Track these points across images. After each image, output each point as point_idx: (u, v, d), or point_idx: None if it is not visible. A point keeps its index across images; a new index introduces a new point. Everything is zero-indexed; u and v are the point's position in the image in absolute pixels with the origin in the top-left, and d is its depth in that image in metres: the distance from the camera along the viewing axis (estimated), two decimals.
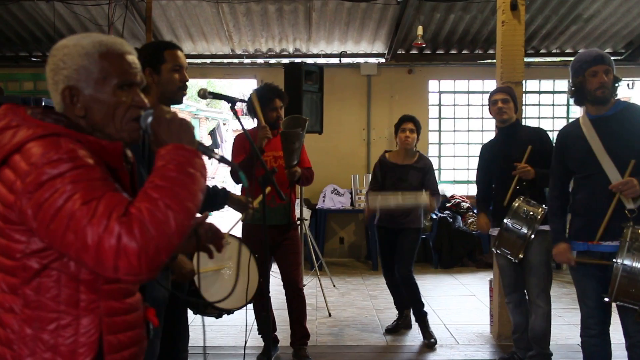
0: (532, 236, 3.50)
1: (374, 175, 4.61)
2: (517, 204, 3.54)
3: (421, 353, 4.23)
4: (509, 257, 3.63)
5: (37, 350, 1.26)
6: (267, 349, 4.01)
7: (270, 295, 4.12)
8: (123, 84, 1.37)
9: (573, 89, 2.99)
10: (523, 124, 4.13)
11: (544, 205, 3.51)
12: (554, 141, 3.30)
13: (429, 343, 4.32)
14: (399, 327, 4.68)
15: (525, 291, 3.79)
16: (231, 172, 3.84)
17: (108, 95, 1.35)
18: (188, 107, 14.96)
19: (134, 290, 1.42)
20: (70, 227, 1.16)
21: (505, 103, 3.77)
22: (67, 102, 1.34)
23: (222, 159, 1.49)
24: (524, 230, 3.51)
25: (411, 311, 4.58)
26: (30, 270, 1.26)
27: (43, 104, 3.98)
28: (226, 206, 2.96)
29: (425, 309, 4.45)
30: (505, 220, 3.56)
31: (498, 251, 3.70)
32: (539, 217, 3.48)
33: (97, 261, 1.15)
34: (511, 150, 3.72)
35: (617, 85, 2.94)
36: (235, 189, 3.56)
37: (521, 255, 3.58)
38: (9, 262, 1.28)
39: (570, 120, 8.03)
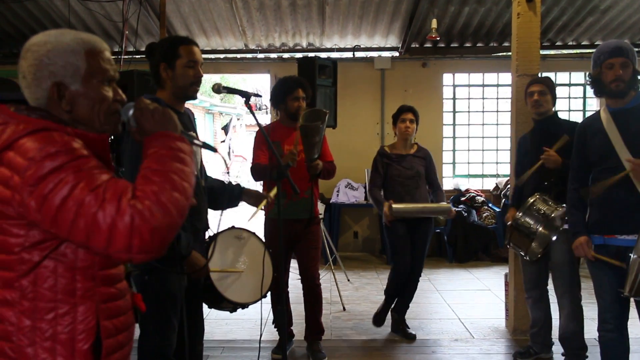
0: (542, 233, 3.45)
1: (375, 169, 4.46)
2: (532, 200, 3.49)
3: (435, 347, 4.23)
4: (521, 254, 3.60)
5: (36, 340, 1.29)
6: (282, 343, 4.03)
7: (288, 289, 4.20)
8: (105, 80, 1.43)
9: (590, 80, 2.96)
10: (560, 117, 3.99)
11: (564, 205, 3.42)
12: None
13: (410, 335, 4.38)
14: (384, 315, 4.57)
15: (546, 288, 3.78)
16: (251, 169, 3.85)
17: (94, 90, 1.40)
18: (202, 102, 14.99)
19: (122, 276, 1.47)
20: (80, 214, 1.20)
21: (543, 95, 3.66)
22: (55, 98, 1.37)
23: (204, 145, 1.64)
24: (533, 228, 3.46)
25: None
26: (29, 263, 1.29)
27: None
28: (242, 202, 2.96)
29: (440, 302, 4.44)
30: (516, 216, 3.53)
31: (509, 246, 3.68)
32: (553, 215, 3.42)
33: (109, 242, 1.20)
34: (546, 144, 3.59)
35: (638, 77, 2.89)
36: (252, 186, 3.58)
37: (538, 254, 3.55)
38: (4, 257, 1.30)
39: (587, 113, 7.96)
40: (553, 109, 3.76)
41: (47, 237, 1.28)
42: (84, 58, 1.39)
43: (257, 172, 3.81)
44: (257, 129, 3.70)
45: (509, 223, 3.66)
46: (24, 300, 1.29)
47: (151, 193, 1.24)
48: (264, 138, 3.77)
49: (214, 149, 1.66)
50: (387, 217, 4.23)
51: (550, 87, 3.72)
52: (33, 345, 1.29)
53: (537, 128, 3.80)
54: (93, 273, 1.35)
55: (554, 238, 3.53)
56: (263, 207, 3.10)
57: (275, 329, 4.02)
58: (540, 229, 3.44)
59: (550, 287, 3.81)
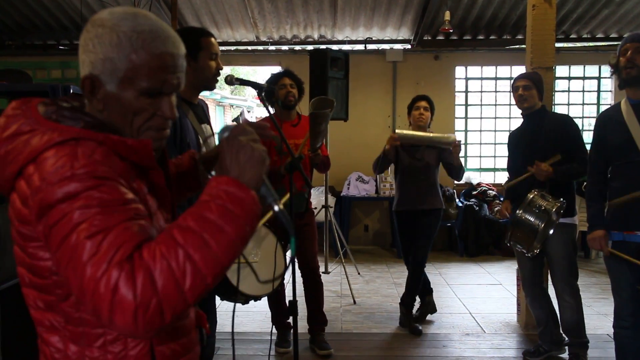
0: (543, 229, 3.43)
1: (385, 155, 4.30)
2: (531, 197, 3.47)
3: (446, 341, 4.21)
4: (522, 251, 3.58)
5: None
6: (284, 335, 4.05)
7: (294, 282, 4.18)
8: (151, 91, 1.17)
9: (612, 71, 2.92)
10: (552, 110, 4.02)
11: (562, 199, 3.43)
12: (591, 126, 3.21)
13: (416, 330, 4.34)
14: (423, 315, 4.63)
15: (543, 285, 3.77)
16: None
17: (130, 98, 1.16)
18: (213, 95, 14.99)
19: None
20: (71, 261, 1.01)
21: (527, 90, 3.66)
22: (87, 93, 1.18)
23: (282, 214, 1.19)
24: (534, 224, 3.43)
25: (429, 296, 4.57)
26: (65, 287, 1.13)
27: (72, 92, 4.02)
28: None
29: (451, 297, 4.42)
30: (516, 213, 3.50)
31: (510, 244, 3.65)
32: (554, 210, 3.39)
33: (93, 308, 0.99)
34: (535, 138, 3.63)
35: None
36: None
37: (536, 250, 3.53)
38: (40, 281, 1.16)
39: (601, 107, 7.87)
40: (540, 103, 3.74)
41: None
42: (128, 57, 1.14)
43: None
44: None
45: (512, 218, 3.62)
46: (68, 325, 1.16)
47: (159, 257, 0.99)
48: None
49: (292, 230, 1.20)
50: (392, 141, 4.16)
51: (535, 81, 3.70)
52: (81, 353, 1.15)
53: (525, 123, 3.81)
54: None
55: (551, 232, 3.50)
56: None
57: (272, 325, 3.99)
58: (543, 225, 3.41)
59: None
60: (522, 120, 3.84)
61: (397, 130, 4.21)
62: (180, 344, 1.25)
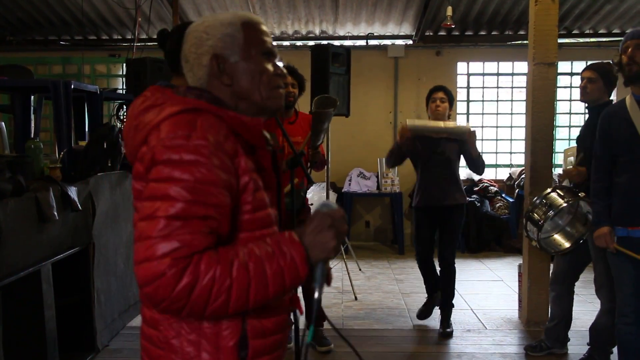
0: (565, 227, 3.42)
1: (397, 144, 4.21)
2: (547, 191, 3.46)
3: (448, 337, 4.20)
4: (534, 243, 3.56)
5: (182, 332, 1.25)
6: (296, 331, 4.03)
7: None
8: (264, 52, 1.35)
9: (617, 68, 2.91)
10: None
11: (580, 194, 3.38)
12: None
13: (445, 332, 4.22)
14: (429, 311, 4.50)
15: (572, 286, 3.72)
16: None
17: (254, 62, 1.33)
18: None
19: None
20: (145, 224, 1.14)
21: (591, 82, 3.48)
22: (215, 71, 1.31)
23: (316, 303, 1.27)
24: (540, 219, 3.41)
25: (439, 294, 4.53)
26: None
27: (72, 87, 4.02)
28: None
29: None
30: (527, 209, 3.48)
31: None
32: (560, 207, 3.37)
33: (136, 271, 1.13)
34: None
35: None
36: None
37: (563, 249, 3.51)
38: None
39: None
40: (606, 97, 3.55)
41: None
42: (241, 29, 1.33)
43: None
44: None
45: (524, 215, 3.61)
46: None
47: (210, 276, 1.12)
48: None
49: (313, 319, 1.30)
50: (402, 132, 4.00)
51: (602, 74, 3.49)
52: (178, 337, 1.25)
53: (589, 117, 3.63)
54: None
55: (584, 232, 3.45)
56: None
57: None
58: (561, 222, 3.39)
59: (578, 283, 3.78)
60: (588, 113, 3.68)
61: (407, 121, 4.04)
62: (272, 321, 1.32)
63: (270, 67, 1.35)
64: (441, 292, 4.32)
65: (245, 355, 1.27)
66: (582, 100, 3.61)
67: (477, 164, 4.17)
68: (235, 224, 1.25)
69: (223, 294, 1.13)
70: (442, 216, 4.22)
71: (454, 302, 4.34)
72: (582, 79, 3.55)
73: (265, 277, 1.16)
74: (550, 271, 4.09)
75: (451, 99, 4.26)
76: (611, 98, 3.63)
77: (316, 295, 1.25)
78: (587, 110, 3.70)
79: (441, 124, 4.07)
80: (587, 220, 3.42)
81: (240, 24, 1.33)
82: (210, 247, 1.15)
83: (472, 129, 4.06)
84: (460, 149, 4.18)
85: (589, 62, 3.79)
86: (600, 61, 3.73)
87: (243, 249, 1.18)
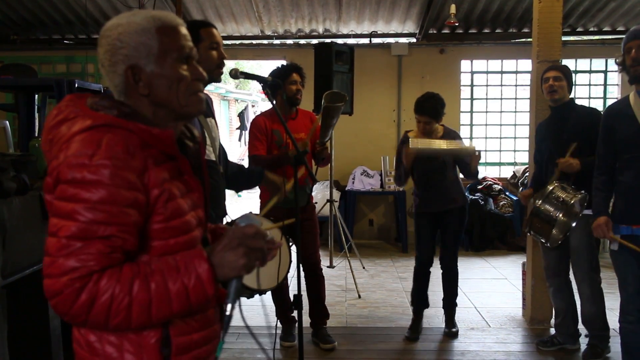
0: (564, 220, 3.42)
1: (400, 160, 4.13)
2: (551, 188, 3.45)
3: (454, 337, 4.20)
4: (542, 241, 3.57)
5: (103, 335, 1.26)
6: (289, 329, 4.07)
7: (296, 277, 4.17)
8: (181, 58, 1.32)
9: (620, 67, 2.91)
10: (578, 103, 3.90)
11: (583, 191, 3.40)
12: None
13: (451, 332, 4.20)
14: (418, 328, 4.23)
15: (568, 277, 3.76)
16: (253, 160, 3.80)
17: (171, 70, 1.30)
18: (217, 89, 14.99)
19: None
20: (50, 241, 1.17)
21: (558, 81, 3.61)
22: (131, 82, 1.28)
23: (228, 320, 1.26)
24: (554, 215, 3.42)
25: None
26: None
27: (76, 85, 4.03)
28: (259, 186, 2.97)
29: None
30: (535, 204, 3.48)
31: (530, 233, 3.64)
32: (572, 202, 3.37)
33: (44, 287, 1.16)
34: (561, 131, 3.59)
35: None
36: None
37: (559, 241, 3.52)
38: None
39: (608, 101, 7.83)
40: (569, 96, 3.71)
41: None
42: (156, 36, 1.28)
43: (261, 163, 3.65)
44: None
45: (530, 210, 3.62)
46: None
47: (109, 294, 1.14)
48: (263, 127, 3.78)
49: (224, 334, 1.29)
50: (407, 157, 3.91)
51: (566, 74, 3.67)
52: (100, 340, 1.26)
53: (552, 115, 3.77)
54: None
55: (574, 224, 3.49)
56: (277, 201, 3.12)
57: (277, 319, 3.99)
58: (561, 216, 3.41)
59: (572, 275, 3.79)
60: (550, 112, 3.79)
61: (410, 140, 3.87)
62: (196, 319, 1.33)
63: (188, 73, 1.33)
64: (444, 292, 4.29)
65: (169, 353, 1.28)
66: (551, 99, 3.68)
67: (471, 175, 4.08)
68: (148, 233, 1.25)
69: (123, 311, 1.15)
70: (443, 220, 4.15)
71: (457, 301, 4.32)
72: (547, 79, 3.65)
73: (168, 296, 1.17)
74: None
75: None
76: (571, 96, 3.75)
77: (227, 311, 1.25)
78: (551, 110, 3.76)
79: (444, 144, 3.91)
80: (572, 212, 3.43)
81: (154, 30, 1.29)
82: (112, 264, 1.16)
83: (477, 152, 3.89)
84: (456, 158, 4.07)
85: (554, 64, 3.96)
86: (563, 64, 3.94)
87: (147, 267, 1.19)
